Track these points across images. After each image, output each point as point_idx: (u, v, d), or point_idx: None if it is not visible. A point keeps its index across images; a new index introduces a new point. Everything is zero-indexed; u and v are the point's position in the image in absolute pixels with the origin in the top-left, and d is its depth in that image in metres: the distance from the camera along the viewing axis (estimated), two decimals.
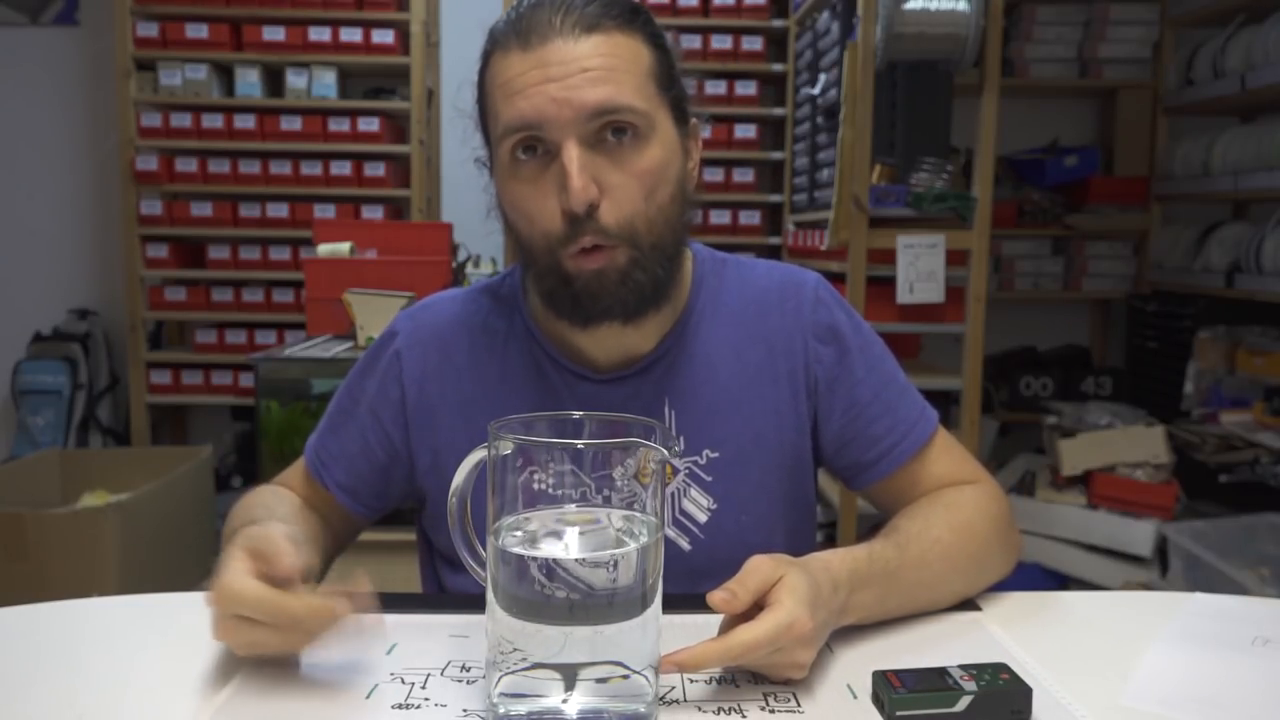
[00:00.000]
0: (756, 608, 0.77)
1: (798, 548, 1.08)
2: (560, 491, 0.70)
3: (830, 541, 2.83)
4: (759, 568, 0.78)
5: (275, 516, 0.93)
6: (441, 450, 1.03)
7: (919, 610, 0.91)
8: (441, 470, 1.02)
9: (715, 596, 0.75)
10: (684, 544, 1.02)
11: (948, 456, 1.06)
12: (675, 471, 1.02)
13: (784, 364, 1.04)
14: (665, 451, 0.70)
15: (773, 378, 1.04)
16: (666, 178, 0.93)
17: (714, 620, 0.79)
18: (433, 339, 1.05)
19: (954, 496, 1.01)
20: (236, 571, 0.75)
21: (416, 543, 1.16)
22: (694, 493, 1.02)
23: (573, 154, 0.87)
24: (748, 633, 0.74)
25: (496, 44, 0.92)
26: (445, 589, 1.11)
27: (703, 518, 1.02)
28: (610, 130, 0.89)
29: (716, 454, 1.02)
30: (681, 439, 1.02)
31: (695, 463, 1.02)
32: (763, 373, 1.04)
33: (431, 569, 1.14)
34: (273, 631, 0.74)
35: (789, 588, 0.76)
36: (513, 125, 0.89)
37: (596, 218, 0.89)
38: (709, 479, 1.02)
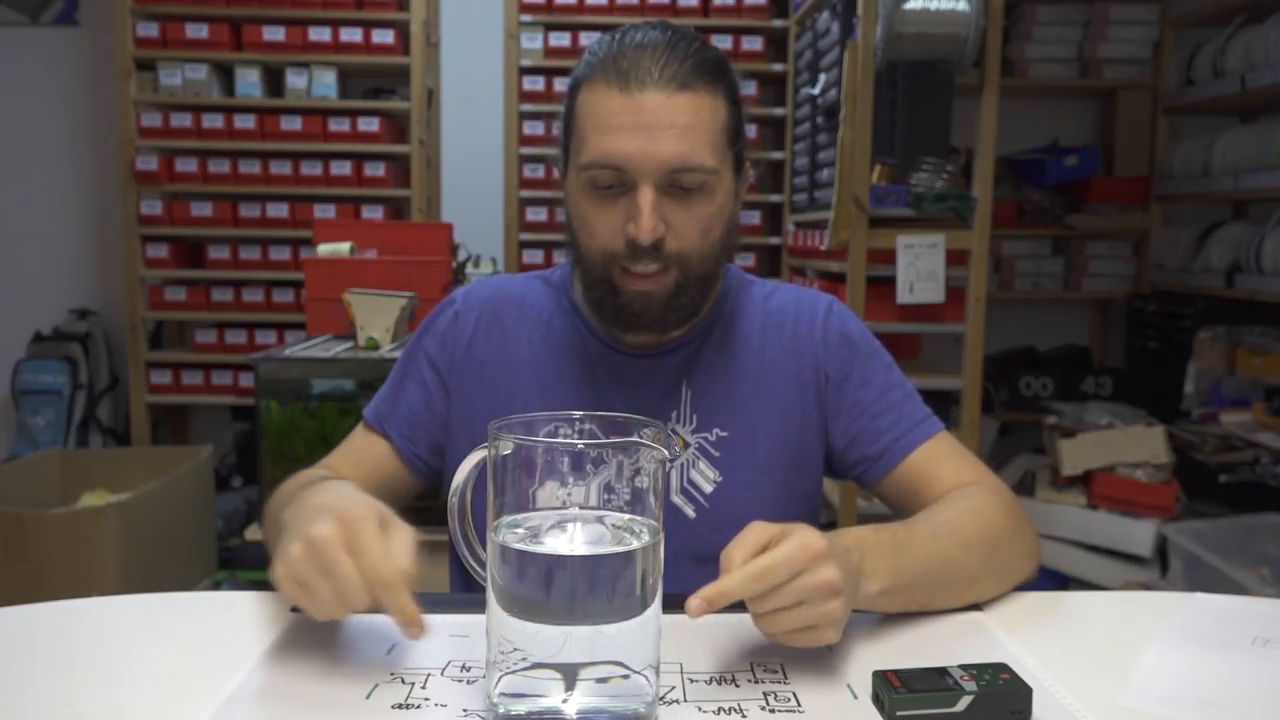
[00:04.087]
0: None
1: None
2: (561, 491, 0.70)
3: None
4: (753, 527, 0.80)
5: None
6: (480, 403, 1.11)
7: (941, 590, 0.92)
8: (477, 424, 1.10)
9: (692, 604, 0.74)
10: (689, 511, 1.08)
11: (955, 458, 1.10)
12: (686, 445, 1.10)
13: (794, 365, 1.13)
14: (666, 452, 0.70)
15: (785, 376, 1.12)
16: (720, 219, 1.04)
17: (715, 620, 0.79)
18: (487, 304, 1.16)
19: (960, 491, 1.05)
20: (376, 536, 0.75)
21: (448, 541, 1.17)
22: (702, 465, 1.10)
23: (648, 197, 0.98)
24: (766, 556, 0.75)
25: (594, 74, 1.00)
26: (470, 588, 1.12)
27: (708, 489, 1.09)
28: (682, 180, 0.99)
29: (725, 433, 1.10)
30: (694, 417, 1.10)
31: (705, 439, 1.10)
32: (776, 369, 1.12)
33: (459, 566, 1.17)
34: (350, 582, 0.74)
35: (792, 529, 0.78)
36: (599, 160, 0.99)
37: (661, 247, 1.00)
38: (717, 454, 1.10)
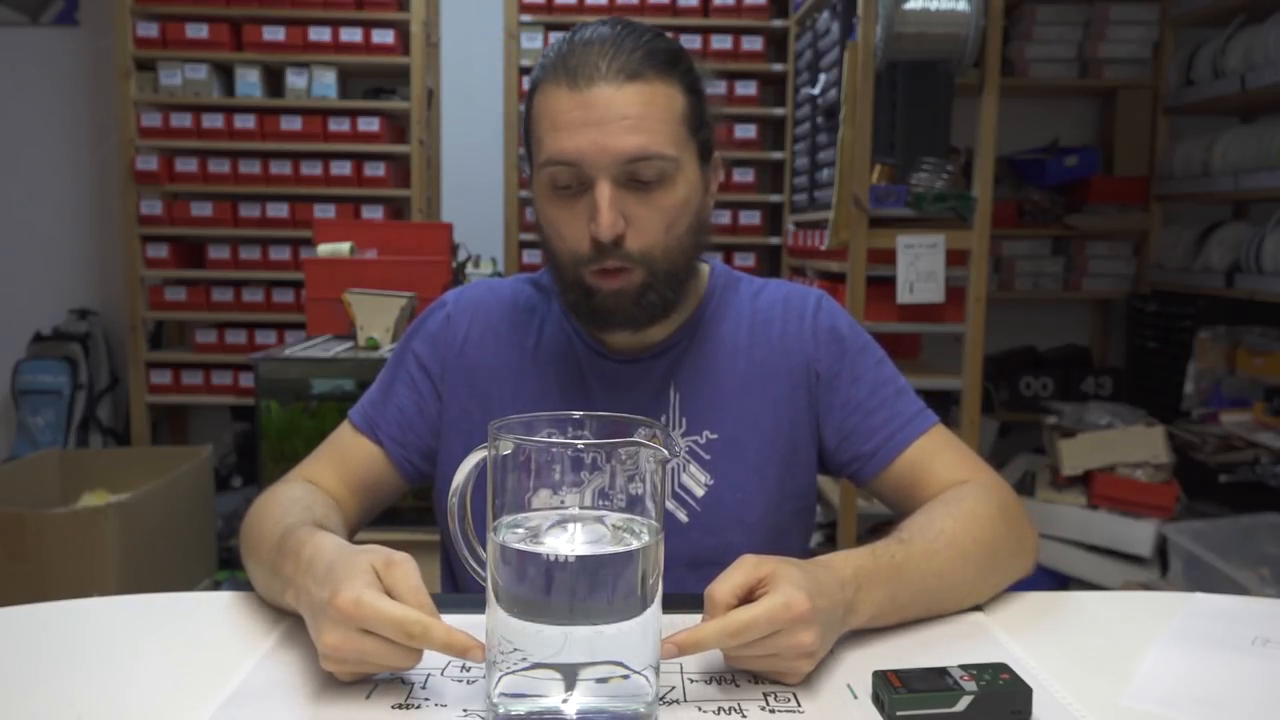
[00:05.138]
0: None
1: (793, 537, 1.13)
2: (561, 491, 0.70)
3: (830, 542, 2.83)
4: (742, 563, 0.79)
5: (315, 519, 0.92)
6: (472, 407, 1.11)
7: (935, 606, 0.91)
8: (470, 428, 1.10)
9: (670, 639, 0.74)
10: (682, 516, 1.07)
11: (950, 453, 1.08)
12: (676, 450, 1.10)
13: (784, 362, 1.11)
14: (666, 452, 0.70)
15: (774, 374, 1.11)
16: (686, 212, 1.01)
17: None
18: (479, 308, 1.15)
19: (954, 492, 1.03)
20: (369, 585, 0.74)
21: (439, 542, 1.18)
22: (693, 469, 1.09)
23: (605, 192, 0.96)
24: (745, 611, 0.75)
25: (546, 75, 0.99)
26: (460, 588, 1.14)
27: (700, 492, 1.08)
28: (640, 171, 0.97)
29: (715, 436, 1.09)
30: (684, 420, 1.09)
31: (695, 442, 1.09)
32: (765, 368, 1.11)
33: (449, 567, 1.18)
34: (392, 649, 0.73)
35: (781, 576, 0.77)
36: (554, 159, 0.98)
37: (622, 244, 0.98)
38: (707, 457, 1.09)
